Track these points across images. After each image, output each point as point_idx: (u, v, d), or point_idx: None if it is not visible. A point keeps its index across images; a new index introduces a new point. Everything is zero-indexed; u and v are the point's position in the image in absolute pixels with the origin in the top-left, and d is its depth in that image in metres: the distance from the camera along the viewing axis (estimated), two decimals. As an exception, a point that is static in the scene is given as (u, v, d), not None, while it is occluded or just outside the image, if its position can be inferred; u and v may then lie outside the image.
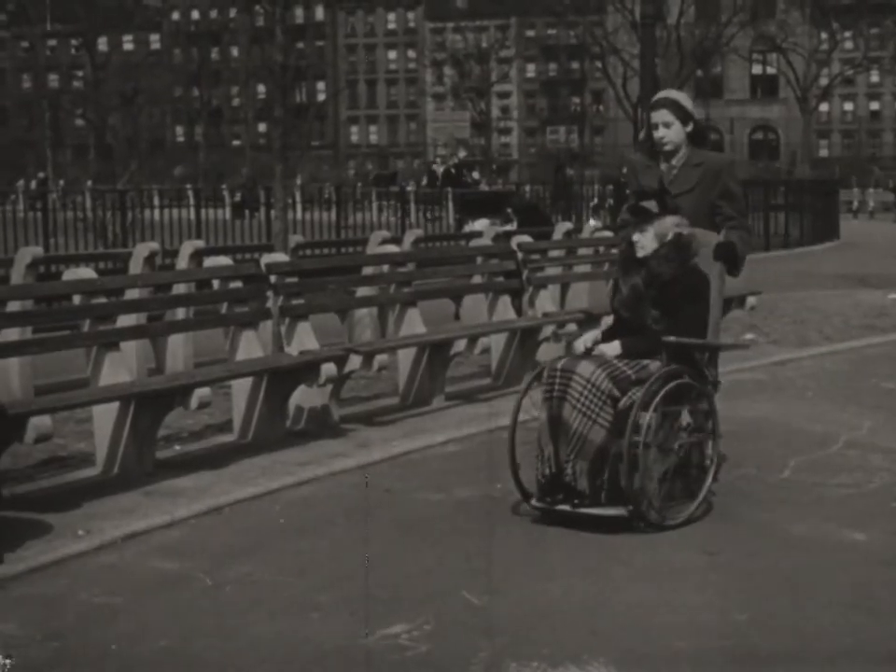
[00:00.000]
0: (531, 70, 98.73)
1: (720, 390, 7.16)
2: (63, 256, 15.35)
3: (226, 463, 8.15)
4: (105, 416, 7.86)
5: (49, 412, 7.13)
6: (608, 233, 13.97)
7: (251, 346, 8.90)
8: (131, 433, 7.79)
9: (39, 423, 6.92)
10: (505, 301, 11.40)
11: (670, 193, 7.16)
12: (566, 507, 6.65)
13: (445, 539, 6.59)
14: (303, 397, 9.15)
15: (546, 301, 11.74)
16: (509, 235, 12.52)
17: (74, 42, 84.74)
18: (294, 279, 9.48)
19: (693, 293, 6.91)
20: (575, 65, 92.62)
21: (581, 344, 7.02)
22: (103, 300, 8.23)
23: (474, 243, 12.68)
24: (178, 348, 10.39)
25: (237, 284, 9.04)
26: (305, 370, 8.73)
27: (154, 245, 11.09)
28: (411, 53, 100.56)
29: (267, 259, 9.51)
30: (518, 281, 11.51)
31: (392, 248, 11.28)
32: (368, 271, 10.93)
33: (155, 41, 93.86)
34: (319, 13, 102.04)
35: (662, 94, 7.70)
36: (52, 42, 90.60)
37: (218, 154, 76.08)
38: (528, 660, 4.94)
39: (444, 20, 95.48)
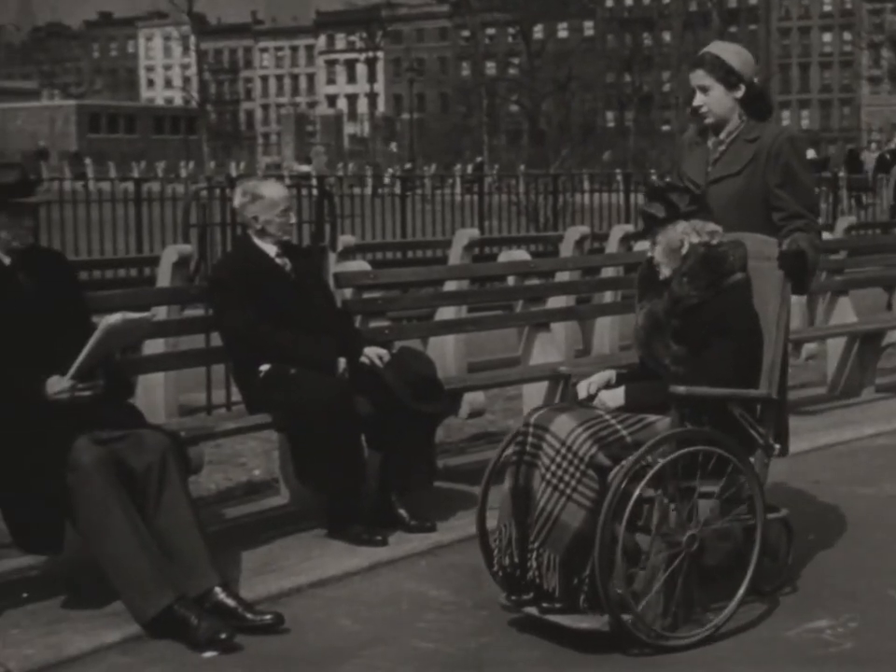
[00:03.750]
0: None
1: (775, 455, 5.26)
2: (497, 238, 15.76)
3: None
4: (534, 395, 8.07)
5: (482, 388, 7.39)
6: None
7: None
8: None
9: (473, 399, 7.18)
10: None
11: (697, 185, 5.59)
12: (532, 610, 4.98)
13: (875, 534, 6.39)
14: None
15: None
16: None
17: (511, 31, 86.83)
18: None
19: (724, 324, 5.05)
20: None
21: (584, 388, 5.29)
22: (535, 281, 8.44)
23: (911, 232, 12.20)
24: (605, 330, 10.52)
25: (666, 269, 9.05)
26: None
27: (584, 229, 11.27)
28: (846, 35, 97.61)
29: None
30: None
31: (824, 235, 11.01)
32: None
33: (589, 28, 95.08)
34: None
35: (704, 49, 5.86)
36: (491, 31, 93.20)
37: (648, 139, 76.15)
38: (961, 665, 4.77)
39: (883, 0, 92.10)
